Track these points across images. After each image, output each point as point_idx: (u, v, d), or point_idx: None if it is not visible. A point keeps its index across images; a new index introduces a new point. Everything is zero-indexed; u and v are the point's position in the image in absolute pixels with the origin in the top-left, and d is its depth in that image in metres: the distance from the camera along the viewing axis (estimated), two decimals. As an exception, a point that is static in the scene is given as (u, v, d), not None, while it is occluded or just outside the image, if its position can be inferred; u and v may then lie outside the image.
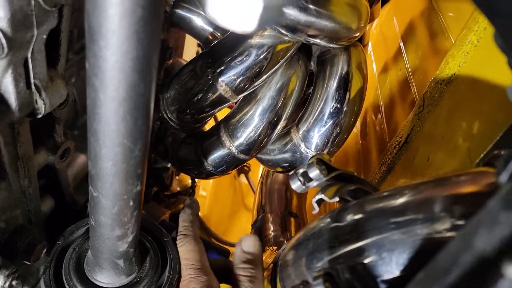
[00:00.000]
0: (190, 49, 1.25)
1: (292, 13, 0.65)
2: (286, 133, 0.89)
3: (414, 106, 0.98)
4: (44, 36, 0.47)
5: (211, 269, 0.68)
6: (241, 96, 0.80)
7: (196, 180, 1.61)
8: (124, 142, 0.42)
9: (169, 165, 1.20)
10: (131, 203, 0.49)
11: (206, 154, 0.86)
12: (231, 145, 0.82)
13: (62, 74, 0.56)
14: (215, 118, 1.21)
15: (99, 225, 0.52)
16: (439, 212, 0.41)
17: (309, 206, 1.30)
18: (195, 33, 0.91)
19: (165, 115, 0.85)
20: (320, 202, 0.53)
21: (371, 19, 0.94)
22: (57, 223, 0.72)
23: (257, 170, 1.97)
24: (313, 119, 0.85)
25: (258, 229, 1.15)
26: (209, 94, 0.77)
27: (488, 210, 0.24)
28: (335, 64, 0.85)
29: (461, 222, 0.39)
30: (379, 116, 1.42)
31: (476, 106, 0.82)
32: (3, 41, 0.41)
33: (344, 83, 0.84)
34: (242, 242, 0.70)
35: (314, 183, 0.55)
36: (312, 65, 0.89)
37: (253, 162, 1.98)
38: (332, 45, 0.76)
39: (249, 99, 0.82)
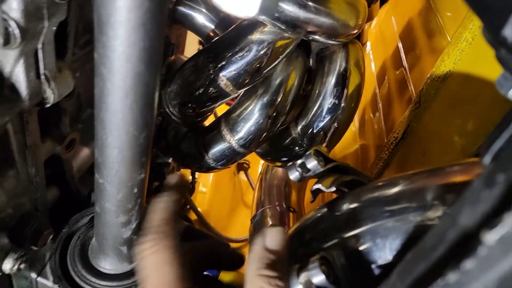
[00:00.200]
0: (192, 46, 1.26)
1: (292, 9, 0.67)
2: (285, 128, 0.91)
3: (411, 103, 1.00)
4: (54, 28, 0.49)
5: (195, 258, 0.56)
6: (242, 91, 0.82)
7: (196, 176, 1.63)
8: (130, 130, 0.44)
9: (170, 160, 1.22)
10: (135, 190, 0.51)
11: (207, 148, 0.87)
12: (232, 139, 0.84)
13: (69, 66, 0.58)
14: (215, 115, 1.23)
15: (104, 211, 0.53)
16: (432, 200, 0.43)
17: (307, 202, 1.32)
18: (197, 30, 0.92)
19: (167, 110, 0.86)
20: (317, 191, 0.55)
21: (369, 18, 0.95)
22: (62, 212, 0.74)
23: (257, 167, 1.99)
24: (312, 114, 0.88)
25: (258, 223, 1.17)
26: (211, 88, 0.79)
27: (471, 190, 0.26)
28: (334, 61, 0.87)
29: (453, 210, 0.40)
30: (377, 114, 1.43)
31: (470, 102, 0.84)
32: (16, 31, 0.43)
33: (342, 80, 0.86)
34: (266, 237, 0.47)
35: (311, 174, 0.56)
36: (311, 62, 0.91)
37: (252, 160, 2.00)
38: (330, 42, 0.77)
39: (250, 94, 0.83)
